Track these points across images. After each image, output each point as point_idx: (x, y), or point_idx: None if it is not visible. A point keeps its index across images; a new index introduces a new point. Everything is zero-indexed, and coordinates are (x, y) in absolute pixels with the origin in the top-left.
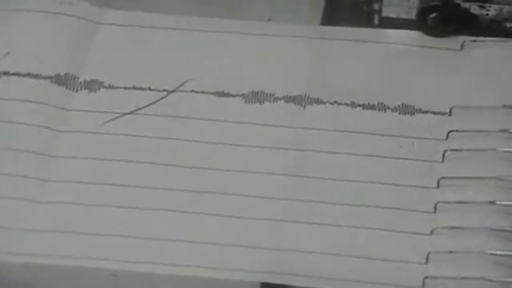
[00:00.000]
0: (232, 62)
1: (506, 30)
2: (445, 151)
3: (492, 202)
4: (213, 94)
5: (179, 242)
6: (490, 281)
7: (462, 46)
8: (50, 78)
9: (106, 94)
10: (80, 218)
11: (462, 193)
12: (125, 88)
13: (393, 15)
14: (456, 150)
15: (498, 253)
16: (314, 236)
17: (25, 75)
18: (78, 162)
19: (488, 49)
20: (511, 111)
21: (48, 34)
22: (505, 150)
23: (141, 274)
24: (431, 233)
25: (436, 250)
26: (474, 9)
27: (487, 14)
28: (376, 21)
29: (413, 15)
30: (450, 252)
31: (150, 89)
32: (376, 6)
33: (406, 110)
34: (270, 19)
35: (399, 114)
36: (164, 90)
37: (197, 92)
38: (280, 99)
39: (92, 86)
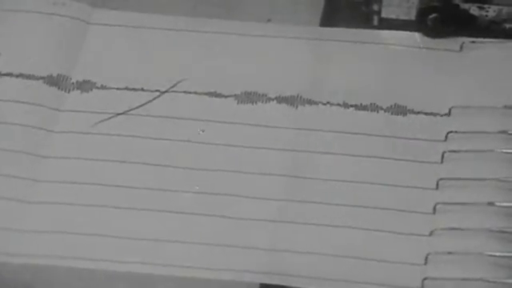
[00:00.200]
0: (226, 63)
1: (505, 30)
2: (444, 152)
3: (491, 203)
4: (205, 94)
5: (175, 242)
6: (490, 282)
7: (462, 47)
8: (42, 78)
9: (99, 94)
10: (74, 218)
11: (461, 194)
12: (117, 88)
13: (392, 16)
14: (455, 151)
15: (497, 254)
16: (311, 237)
17: (17, 76)
18: (71, 162)
19: (487, 50)
20: (510, 112)
21: (40, 34)
22: (504, 151)
23: (138, 274)
24: (430, 234)
25: (435, 251)
26: (474, 10)
27: (486, 15)
28: (375, 22)
29: (412, 16)
30: (449, 253)
31: (142, 89)
32: (375, 7)
33: (405, 111)
34: (269, 20)
35: (396, 115)
36: (157, 91)
37: (189, 92)
38: (272, 100)
39: (84, 86)
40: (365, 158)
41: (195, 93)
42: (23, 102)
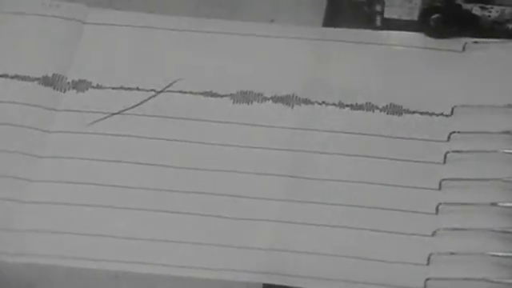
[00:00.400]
0: (223, 63)
1: (507, 31)
2: (446, 153)
3: (494, 204)
4: (201, 94)
5: (174, 242)
6: (492, 282)
7: (464, 48)
8: (37, 79)
9: (94, 94)
10: (69, 218)
11: (463, 194)
12: (113, 88)
13: (395, 16)
14: (458, 152)
15: (499, 254)
16: (311, 237)
17: (12, 77)
18: (67, 162)
19: (490, 50)
20: None
21: (35, 35)
22: (507, 151)
23: (141, 274)
24: (433, 234)
25: (438, 251)
26: (476, 10)
27: (489, 16)
28: (378, 22)
29: (415, 16)
30: (452, 253)
31: (138, 89)
32: (378, 8)
33: (408, 111)
34: (272, 20)
35: (398, 115)
36: (152, 90)
37: (185, 92)
38: (268, 99)
39: (80, 86)
40: (364, 157)
41: (190, 92)
42: (19, 103)
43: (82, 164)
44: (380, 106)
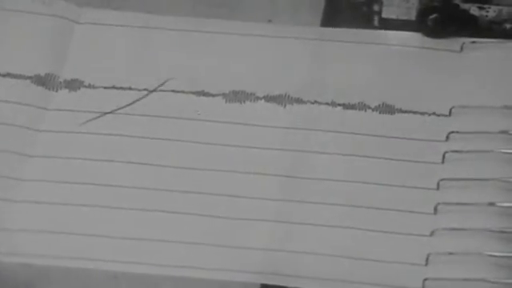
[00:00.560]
0: (217, 63)
1: (505, 31)
2: (445, 152)
3: (492, 204)
4: (193, 93)
5: (170, 242)
6: (491, 282)
7: (462, 48)
8: (29, 78)
9: (87, 93)
10: (60, 218)
11: (462, 194)
12: (105, 87)
13: (392, 16)
14: (456, 152)
15: (498, 254)
16: (309, 237)
17: (4, 75)
18: (59, 161)
19: (488, 50)
20: (511, 112)
21: (28, 33)
22: (504, 151)
23: (139, 275)
24: (431, 234)
25: (436, 251)
26: (474, 10)
27: (487, 16)
28: (376, 22)
29: (412, 16)
30: (450, 253)
31: (130, 88)
32: (376, 8)
33: (406, 111)
34: (269, 20)
35: (395, 114)
36: (144, 90)
37: (177, 91)
38: (260, 99)
39: (72, 85)
40: (361, 157)
41: (183, 92)
42: (10, 102)
43: (74, 163)
44: (373, 106)
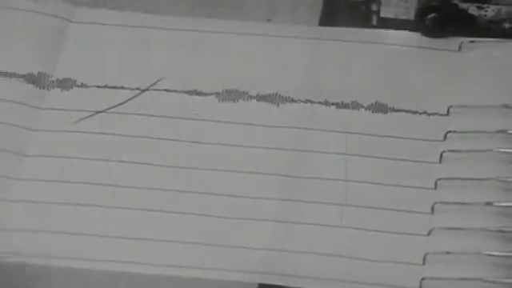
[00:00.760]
0: (212, 62)
1: (504, 30)
2: (442, 152)
3: (489, 203)
4: (185, 92)
5: (169, 242)
6: (488, 282)
7: (460, 47)
8: (22, 76)
9: (79, 92)
10: (55, 216)
11: (459, 194)
12: (98, 86)
13: (391, 16)
14: (454, 151)
15: (495, 254)
16: (308, 237)
17: None
18: (52, 160)
19: (486, 49)
20: (509, 112)
21: (21, 32)
22: (502, 150)
23: (137, 274)
24: (429, 234)
25: (433, 250)
26: (473, 9)
27: (485, 15)
28: (374, 21)
29: (411, 16)
30: (448, 253)
31: (123, 87)
32: (374, 7)
33: (403, 110)
34: (268, 20)
35: (393, 114)
36: (137, 89)
37: (170, 91)
38: (253, 98)
39: (65, 84)
40: (359, 157)
41: (175, 91)
42: (3, 101)
43: (66, 162)
44: (366, 105)
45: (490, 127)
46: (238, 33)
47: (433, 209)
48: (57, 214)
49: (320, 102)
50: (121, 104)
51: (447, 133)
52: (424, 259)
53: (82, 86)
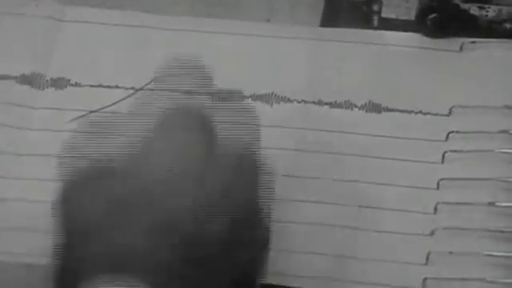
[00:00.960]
0: (208, 61)
1: (505, 30)
2: (444, 152)
3: (492, 204)
4: (180, 92)
5: None
6: (490, 282)
7: (462, 47)
8: (15, 78)
9: (73, 91)
10: (50, 216)
11: (461, 194)
12: (91, 86)
13: (392, 16)
14: (456, 151)
15: (497, 254)
16: (308, 236)
17: None
18: (46, 159)
19: (487, 50)
20: (511, 112)
21: (13, 34)
22: (504, 151)
23: None
24: (431, 234)
25: (436, 250)
26: (474, 10)
27: (486, 15)
28: (375, 22)
29: (412, 16)
30: (450, 253)
31: (117, 87)
32: (375, 7)
33: (406, 111)
34: (268, 20)
35: (396, 114)
36: (131, 88)
37: (163, 90)
38: (247, 98)
39: (59, 83)
40: (359, 157)
41: (169, 90)
42: None
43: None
44: (359, 104)
45: (491, 127)
46: (236, 33)
47: (435, 209)
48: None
49: (314, 102)
50: (115, 103)
51: (449, 133)
52: (426, 259)
53: (76, 85)
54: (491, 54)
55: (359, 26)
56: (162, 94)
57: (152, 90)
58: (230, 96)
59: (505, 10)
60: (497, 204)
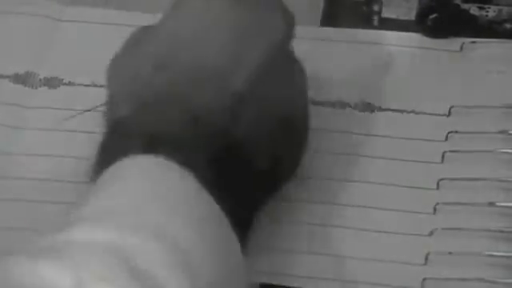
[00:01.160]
0: None
1: (505, 30)
2: (444, 152)
3: (491, 204)
4: None
5: None
6: (489, 282)
7: (462, 47)
8: (8, 77)
9: (66, 90)
10: (44, 215)
11: (461, 194)
12: (85, 85)
13: (392, 16)
14: (455, 151)
15: (497, 254)
16: (309, 237)
17: None
18: (39, 159)
19: (488, 50)
20: (511, 112)
21: (8, 32)
22: (504, 151)
23: None
24: (430, 234)
25: (435, 251)
26: (474, 10)
27: (487, 16)
28: (375, 22)
29: (412, 16)
30: (450, 253)
31: None
32: (376, 7)
33: (406, 111)
34: None
35: (395, 114)
36: None
37: None
38: None
39: (52, 82)
40: (361, 157)
41: None
42: None
43: (54, 161)
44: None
45: (491, 127)
46: None
47: (435, 209)
48: (45, 212)
49: (314, 102)
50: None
51: (449, 133)
52: (426, 259)
53: (70, 84)
54: (491, 54)
55: (359, 25)
56: None
57: None
58: None
59: (505, 10)
60: (497, 204)
